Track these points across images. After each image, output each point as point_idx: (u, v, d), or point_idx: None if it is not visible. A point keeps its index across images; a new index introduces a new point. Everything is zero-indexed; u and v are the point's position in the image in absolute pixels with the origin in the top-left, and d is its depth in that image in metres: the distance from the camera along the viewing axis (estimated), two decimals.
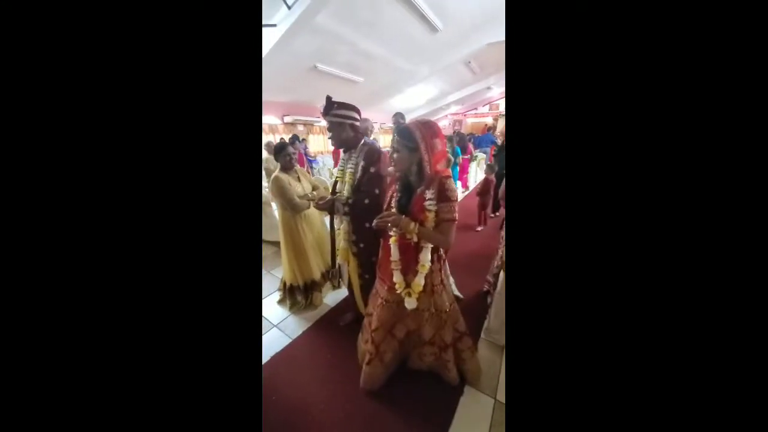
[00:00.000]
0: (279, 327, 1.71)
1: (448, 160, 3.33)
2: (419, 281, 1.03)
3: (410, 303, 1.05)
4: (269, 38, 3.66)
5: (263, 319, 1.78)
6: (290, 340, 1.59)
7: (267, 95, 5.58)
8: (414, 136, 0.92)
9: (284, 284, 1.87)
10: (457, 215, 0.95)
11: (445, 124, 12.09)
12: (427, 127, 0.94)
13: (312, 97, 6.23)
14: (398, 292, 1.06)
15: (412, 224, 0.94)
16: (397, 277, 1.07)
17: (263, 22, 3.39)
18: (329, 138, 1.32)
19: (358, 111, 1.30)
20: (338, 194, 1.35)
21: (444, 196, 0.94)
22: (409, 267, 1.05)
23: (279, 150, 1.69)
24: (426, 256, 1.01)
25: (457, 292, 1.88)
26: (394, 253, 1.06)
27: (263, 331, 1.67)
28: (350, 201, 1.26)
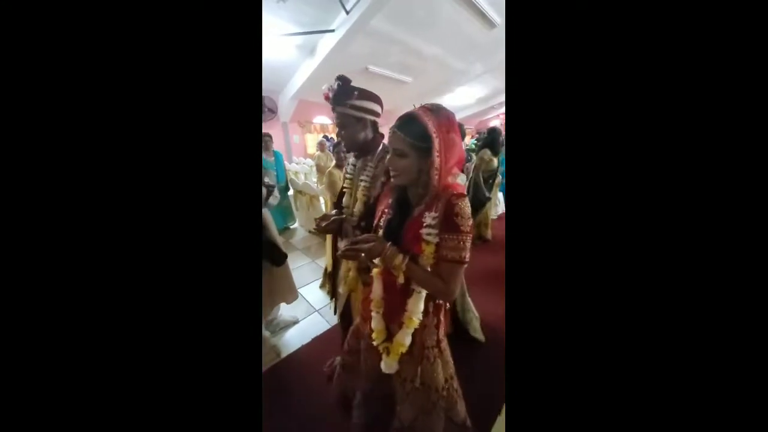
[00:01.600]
0: (320, 312, 1.84)
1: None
2: (403, 339, 0.69)
3: (388, 365, 0.71)
4: (327, 43, 3.90)
5: (306, 303, 1.93)
6: (329, 326, 1.70)
7: (322, 97, 5.94)
8: (428, 131, 0.59)
9: (325, 269, 2.03)
10: (467, 255, 0.62)
11: (496, 124, 11.43)
12: (442, 117, 0.61)
13: None
14: (375, 343, 0.73)
15: (400, 257, 0.63)
16: (377, 323, 0.74)
17: (323, 28, 3.63)
18: (339, 136, 0.97)
19: (381, 103, 0.95)
20: (345, 210, 1.02)
21: (451, 223, 0.61)
22: (395, 313, 0.71)
23: (336, 146, 1.87)
24: (417, 306, 0.68)
25: (479, 334, 1.51)
26: (376, 290, 0.75)
27: (306, 315, 1.81)
28: (363, 224, 0.93)
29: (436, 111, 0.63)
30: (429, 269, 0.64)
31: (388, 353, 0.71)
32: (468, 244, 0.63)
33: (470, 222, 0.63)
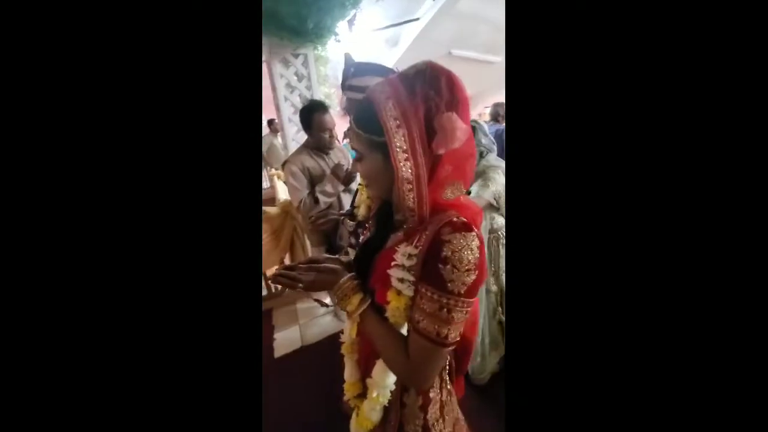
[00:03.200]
0: None
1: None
2: (369, 413, 0.49)
3: (357, 430, 0.52)
4: (411, 33, 3.94)
5: None
6: None
7: None
8: (381, 115, 0.37)
9: None
10: (450, 334, 0.37)
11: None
12: (417, 84, 0.37)
13: None
14: (345, 398, 0.56)
15: (355, 300, 0.43)
16: (349, 373, 0.55)
17: (407, 18, 3.69)
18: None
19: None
20: (355, 209, 0.89)
21: (433, 273, 0.37)
22: (373, 364, 0.50)
23: None
24: (383, 374, 0.47)
25: None
26: (348, 329, 0.54)
27: None
28: (360, 231, 0.83)
29: (410, 76, 0.37)
30: (393, 329, 0.42)
31: (358, 414, 0.51)
32: (457, 315, 0.36)
33: (470, 278, 0.36)
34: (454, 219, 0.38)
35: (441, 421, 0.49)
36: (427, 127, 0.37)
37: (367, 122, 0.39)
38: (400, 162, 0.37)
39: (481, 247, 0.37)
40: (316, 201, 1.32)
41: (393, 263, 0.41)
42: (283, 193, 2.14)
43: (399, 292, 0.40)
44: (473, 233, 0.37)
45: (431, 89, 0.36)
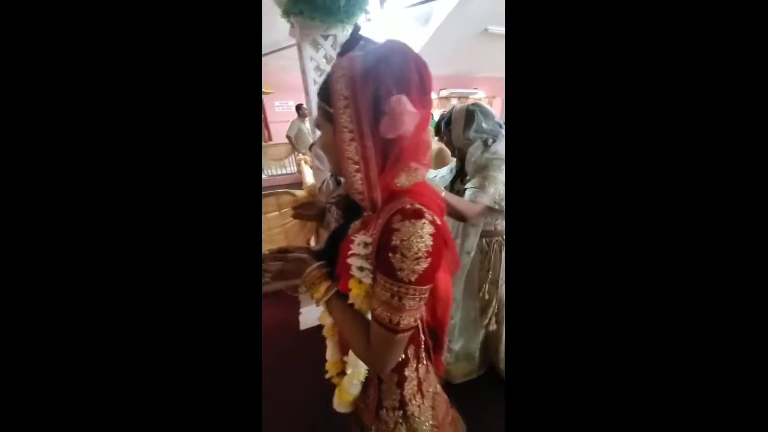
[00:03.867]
0: None
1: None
2: (349, 388, 0.53)
3: (337, 403, 0.56)
4: (443, 9, 3.71)
5: None
6: None
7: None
8: (333, 90, 0.37)
9: None
10: (402, 321, 0.38)
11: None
12: (370, 58, 0.37)
13: (473, 67, 5.86)
14: (327, 375, 0.59)
15: (322, 288, 0.46)
16: (330, 353, 0.58)
17: None
18: None
19: None
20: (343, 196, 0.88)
21: (384, 261, 0.37)
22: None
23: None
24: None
25: None
26: (324, 314, 0.55)
27: None
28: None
29: (371, 53, 0.37)
30: (357, 315, 0.44)
31: (339, 390, 0.55)
32: (409, 303, 0.37)
33: (420, 266, 0.36)
34: (407, 206, 0.37)
35: (419, 396, 0.52)
36: (377, 108, 0.36)
37: (323, 93, 0.40)
38: (344, 142, 0.37)
39: (435, 234, 0.36)
40: (338, 183, 1.36)
41: (350, 252, 0.41)
42: (309, 177, 2.19)
43: (357, 281, 0.41)
44: (423, 220, 0.36)
45: (385, 70, 0.36)
